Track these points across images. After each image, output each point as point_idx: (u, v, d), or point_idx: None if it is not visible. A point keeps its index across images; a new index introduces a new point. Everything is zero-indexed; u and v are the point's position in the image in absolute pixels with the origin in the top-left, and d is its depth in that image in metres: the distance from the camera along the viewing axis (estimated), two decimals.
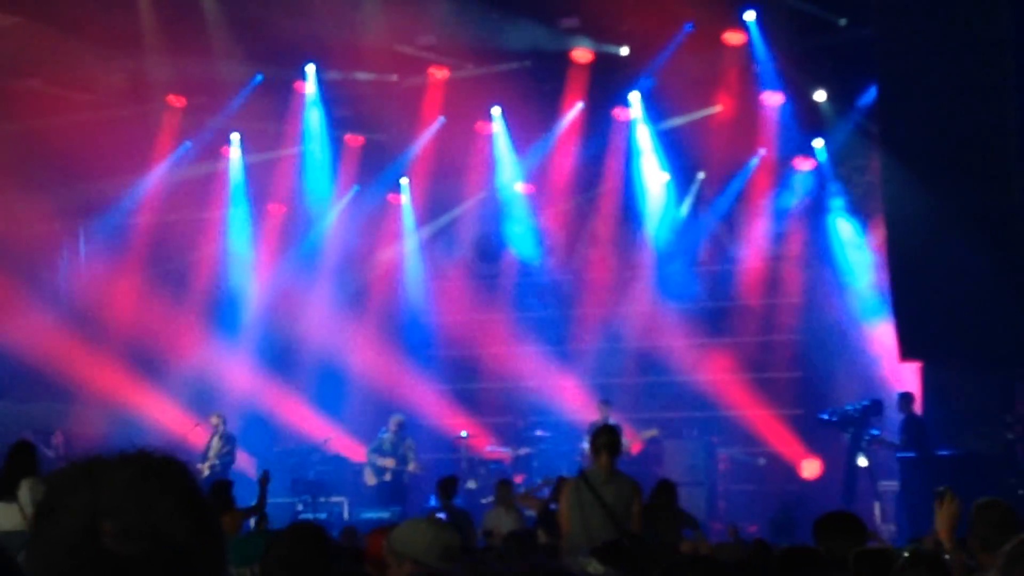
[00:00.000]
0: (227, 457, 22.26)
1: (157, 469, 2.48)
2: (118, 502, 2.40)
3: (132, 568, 2.38)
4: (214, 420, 22.56)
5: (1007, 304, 17.22)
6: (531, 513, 16.58)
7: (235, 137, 26.53)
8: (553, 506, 15.26)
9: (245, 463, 24.33)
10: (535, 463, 23.32)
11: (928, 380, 20.08)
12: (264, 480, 15.89)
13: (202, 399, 24.26)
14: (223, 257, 27.03)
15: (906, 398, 20.10)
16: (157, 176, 26.04)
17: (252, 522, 15.09)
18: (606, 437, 11.72)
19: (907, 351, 18.63)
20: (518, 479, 21.50)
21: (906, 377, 20.61)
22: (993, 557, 8.17)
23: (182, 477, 2.50)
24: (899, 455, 19.79)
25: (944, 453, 19.00)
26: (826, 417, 20.79)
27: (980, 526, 8.13)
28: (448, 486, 17.00)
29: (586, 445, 21.13)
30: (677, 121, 24.74)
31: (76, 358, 24.02)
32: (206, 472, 21.80)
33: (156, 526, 2.40)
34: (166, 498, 2.43)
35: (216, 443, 22.31)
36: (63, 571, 2.39)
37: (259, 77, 25.17)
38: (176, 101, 25.57)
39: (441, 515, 14.96)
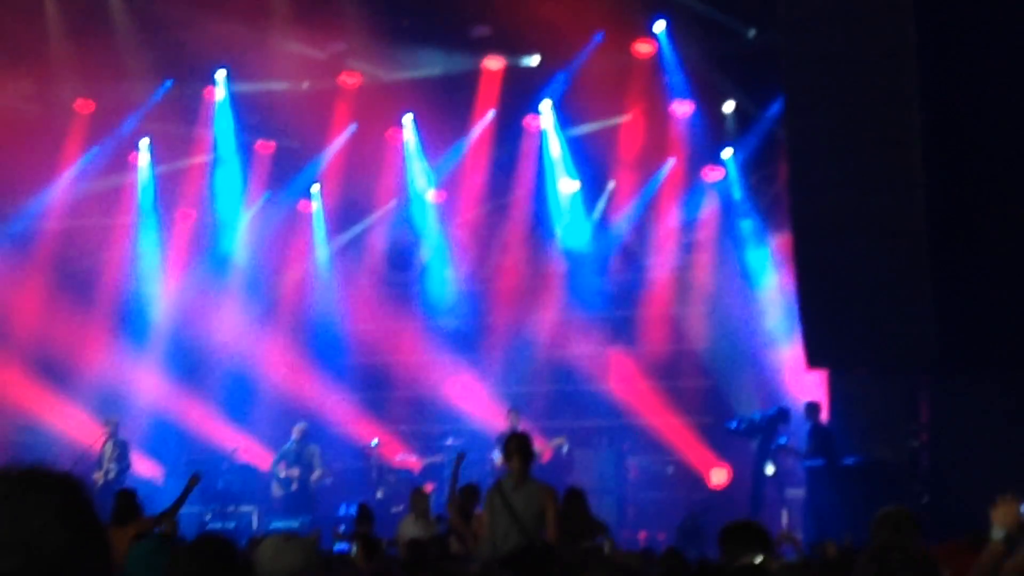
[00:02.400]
0: (122, 462, 22.06)
1: (36, 483, 2.45)
2: None
3: None
4: (107, 425, 22.34)
5: (912, 312, 17.38)
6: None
7: (144, 143, 26.25)
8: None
9: (153, 471, 24.15)
10: (445, 472, 23.23)
11: (834, 389, 20.25)
12: (193, 481, 15.56)
13: (109, 407, 23.99)
14: (131, 264, 26.71)
15: (812, 407, 20.25)
16: (64, 182, 25.75)
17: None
18: (516, 442, 11.77)
19: (813, 360, 18.73)
20: (428, 487, 21.46)
21: (812, 385, 20.77)
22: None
23: (63, 490, 2.47)
24: (806, 463, 19.94)
25: (850, 462, 19.19)
26: (734, 426, 20.91)
27: (879, 533, 8.28)
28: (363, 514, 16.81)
29: (496, 454, 21.20)
30: (588, 129, 24.81)
31: None
32: (101, 481, 21.56)
33: (29, 541, 2.37)
34: (42, 512, 2.41)
35: (109, 449, 22.08)
36: None
37: (169, 83, 24.99)
38: (84, 106, 25.31)
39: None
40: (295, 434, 23.08)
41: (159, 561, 6.99)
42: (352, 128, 25.81)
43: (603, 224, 25.54)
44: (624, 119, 24.37)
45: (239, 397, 25.49)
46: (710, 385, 23.88)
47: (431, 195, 26.48)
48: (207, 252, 26.78)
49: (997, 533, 7.42)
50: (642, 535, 21.28)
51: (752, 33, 22.36)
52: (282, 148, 26.62)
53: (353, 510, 22.81)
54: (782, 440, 20.50)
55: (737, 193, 24.28)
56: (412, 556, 11.72)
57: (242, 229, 26.89)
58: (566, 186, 25.48)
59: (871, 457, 19.14)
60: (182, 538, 13.23)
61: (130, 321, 26.20)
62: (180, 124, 25.69)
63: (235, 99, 25.50)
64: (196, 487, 15.66)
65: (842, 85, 17.70)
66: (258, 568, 6.03)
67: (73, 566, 2.42)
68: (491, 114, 25.20)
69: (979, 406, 18.23)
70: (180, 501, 15.10)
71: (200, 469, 23.24)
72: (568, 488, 15.59)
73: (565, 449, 22.58)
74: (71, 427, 24.02)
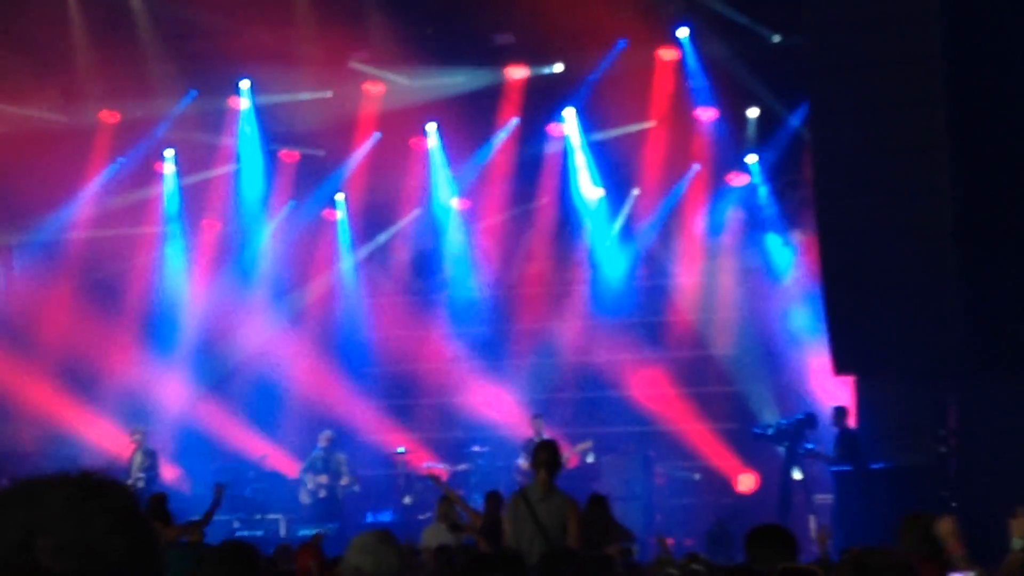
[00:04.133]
0: (151, 472, 22.09)
1: (95, 489, 2.49)
2: (55, 520, 2.42)
3: None
4: (135, 435, 22.39)
5: (939, 317, 17.33)
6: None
7: (169, 153, 26.36)
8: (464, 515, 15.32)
9: (180, 480, 24.18)
10: (472, 479, 23.29)
11: (862, 394, 20.17)
12: (219, 492, 15.71)
13: (136, 416, 24.07)
14: (158, 273, 26.83)
15: (840, 412, 20.22)
16: (90, 192, 25.87)
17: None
18: (545, 454, 11.75)
19: (841, 365, 18.69)
20: None
21: (840, 390, 20.73)
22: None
23: (120, 497, 2.50)
24: (833, 469, 19.90)
25: (877, 466, 19.13)
26: (761, 431, 20.89)
27: (906, 539, 8.26)
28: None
29: (522, 461, 21.19)
30: (612, 136, 24.81)
31: (8, 376, 23.84)
32: None
33: (91, 544, 2.41)
34: (103, 517, 2.44)
35: (139, 458, 22.13)
36: None
37: (193, 93, 25.08)
38: (109, 117, 25.42)
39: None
40: (322, 442, 23.13)
41: (186, 568, 7.04)
42: (376, 136, 25.86)
43: (628, 231, 25.53)
44: (648, 126, 24.35)
45: (266, 405, 25.55)
46: (736, 391, 23.84)
47: (455, 203, 26.52)
48: (232, 261, 26.84)
49: (1017, 543, 7.46)
50: (670, 541, 21.23)
51: (777, 38, 22.33)
52: (306, 157, 26.69)
53: (381, 517, 22.95)
54: (809, 445, 20.47)
55: (762, 198, 24.25)
56: (440, 563, 11.74)
57: (267, 238, 26.95)
58: (590, 193, 25.49)
59: (899, 462, 19.06)
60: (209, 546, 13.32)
61: (157, 330, 26.29)
62: (205, 134, 25.81)
63: (259, 108, 25.58)
64: (224, 495, 15.81)
65: (867, 89, 17.66)
66: (346, 563, 6.03)
67: (130, 570, 2.45)
68: (515, 121, 25.20)
69: (1007, 411, 18.15)
70: (211, 513, 15.23)
71: (224, 479, 23.47)
72: (591, 494, 15.54)
73: (591, 457, 22.56)
74: (98, 436, 24.10)
